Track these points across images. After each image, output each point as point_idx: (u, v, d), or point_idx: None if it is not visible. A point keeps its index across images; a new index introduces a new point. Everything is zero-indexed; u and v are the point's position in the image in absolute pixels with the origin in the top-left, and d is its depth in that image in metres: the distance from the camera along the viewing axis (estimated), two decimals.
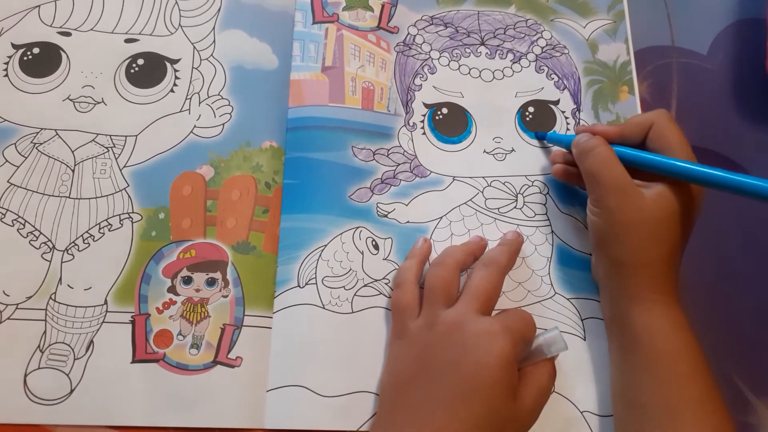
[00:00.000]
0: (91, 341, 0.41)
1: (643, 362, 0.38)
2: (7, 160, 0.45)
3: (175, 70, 0.48)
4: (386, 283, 0.43)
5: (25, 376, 0.40)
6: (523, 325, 0.37)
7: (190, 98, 0.48)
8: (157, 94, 0.47)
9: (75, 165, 0.45)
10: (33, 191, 0.44)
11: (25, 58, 0.48)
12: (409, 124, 0.48)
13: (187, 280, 0.43)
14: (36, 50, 0.48)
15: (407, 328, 0.39)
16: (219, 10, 0.50)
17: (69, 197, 0.44)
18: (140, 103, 0.47)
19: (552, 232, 0.46)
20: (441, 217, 0.46)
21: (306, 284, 0.43)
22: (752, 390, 0.43)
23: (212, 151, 0.46)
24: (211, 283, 0.43)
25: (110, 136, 0.46)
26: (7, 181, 0.44)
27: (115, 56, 0.48)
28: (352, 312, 0.42)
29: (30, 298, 0.42)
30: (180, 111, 0.47)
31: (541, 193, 0.47)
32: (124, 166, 0.45)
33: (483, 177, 0.47)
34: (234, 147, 0.46)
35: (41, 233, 0.43)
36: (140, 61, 0.48)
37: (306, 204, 0.45)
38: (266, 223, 0.45)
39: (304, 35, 0.50)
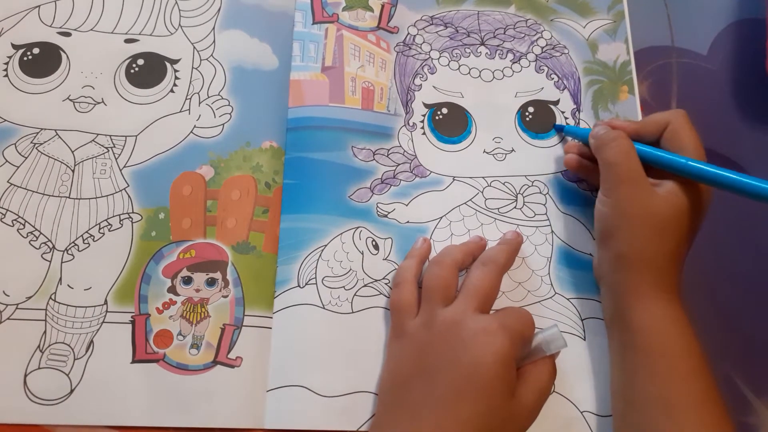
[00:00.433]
0: (91, 341, 0.41)
1: (643, 360, 0.38)
2: (7, 161, 0.45)
3: (175, 71, 0.48)
4: (386, 283, 0.43)
5: (25, 376, 0.40)
6: (522, 324, 0.37)
7: (190, 98, 0.48)
8: (157, 94, 0.47)
9: (75, 165, 0.45)
10: (33, 191, 0.44)
11: (25, 59, 0.48)
12: (409, 124, 0.48)
13: (187, 280, 0.43)
14: (36, 50, 0.48)
15: (406, 328, 0.39)
16: (219, 10, 0.50)
17: (69, 197, 0.44)
18: (140, 104, 0.47)
19: (552, 232, 0.46)
20: (441, 217, 0.46)
21: (306, 284, 0.43)
22: (752, 390, 0.43)
23: (212, 151, 0.46)
24: (211, 283, 0.43)
25: (110, 136, 0.46)
26: (7, 181, 0.44)
27: (115, 56, 0.48)
28: (352, 312, 0.42)
29: (30, 298, 0.42)
30: (180, 111, 0.47)
31: (541, 193, 0.47)
32: (124, 166, 0.45)
33: (483, 177, 0.47)
34: (234, 147, 0.46)
35: (41, 233, 0.43)
36: (140, 62, 0.48)
37: (306, 204, 0.45)
38: (266, 223, 0.45)
39: (304, 35, 0.50)
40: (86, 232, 0.43)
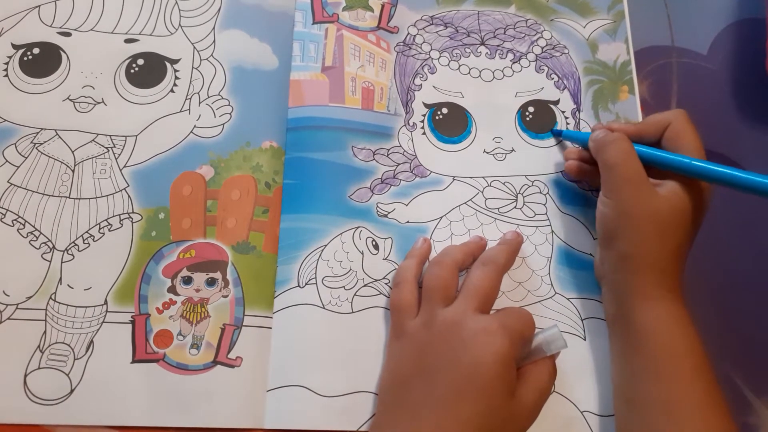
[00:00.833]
0: (91, 341, 0.41)
1: (645, 360, 0.38)
2: (7, 160, 0.45)
3: (175, 70, 0.48)
4: (386, 283, 0.43)
5: (25, 376, 0.40)
6: (521, 324, 0.37)
7: (190, 98, 0.48)
8: (157, 94, 0.47)
9: (75, 165, 0.45)
10: (33, 191, 0.44)
11: (25, 59, 0.48)
12: (409, 124, 0.48)
13: (187, 280, 0.43)
14: (36, 50, 0.48)
15: (406, 328, 0.39)
16: (219, 10, 0.50)
17: (69, 197, 0.44)
18: (140, 103, 0.47)
19: (552, 232, 0.46)
20: (441, 217, 0.46)
21: (306, 284, 0.43)
22: (752, 390, 0.43)
23: (212, 151, 0.46)
24: (211, 283, 0.43)
25: (110, 136, 0.46)
26: (7, 181, 0.44)
27: (115, 56, 0.48)
28: (352, 312, 0.42)
29: (30, 298, 0.42)
30: (180, 111, 0.47)
31: (541, 193, 0.47)
32: (124, 166, 0.45)
33: (483, 177, 0.47)
34: (234, 147, 0.46)
35: (41, 233, 0.43)
36: (140, 61, 0.48)
37: (306, 204, 0.45)
38: (266, 223, 0.45)
39: (304, 35, 0.50)
40: (86, 232, 0.43)
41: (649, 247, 0.39)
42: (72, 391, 0.40)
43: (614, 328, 0.41)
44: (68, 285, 0.42)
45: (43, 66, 0.47)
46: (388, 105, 0.49)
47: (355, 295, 0.43)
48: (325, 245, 0.44)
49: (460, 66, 0.50)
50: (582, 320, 0.44)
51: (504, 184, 0.47)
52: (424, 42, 0.51)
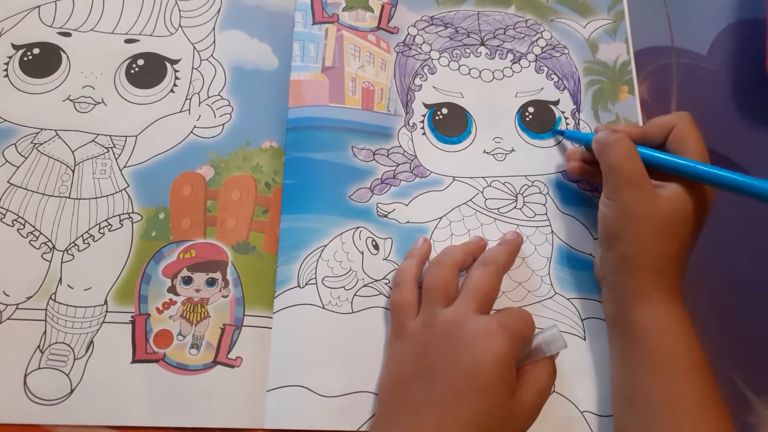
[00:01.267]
0: (91, 341, 0.41)
1: (644, 359, 0.38)
2: (7, 161, 0.45)
3: (175, 71, 0.48)
4: (386, 283, 0.43)
5: (25, 376, 0.40)
6: (521, 324, 0.37)
7: (190, 98, 0.48)
8: (157, 94, 0.48)
9: (75, 165, 0.45)
10: (33, 191, 0.44)
11: (26, 59, 0.48)
12: (409, 124, 0.48)
13: (187, 281, 0.43)
14: (36, 50, 0.48)
15: (406, 328, 0.39)
16: (219, 10, 0.50)
17: (69, 197, 0.44)
18: (140, 104, 0.47)
19: (552, 232, 0.46)
20: (441, 218, 0.46)
21: (306, 284, 0.43)
22: (752, 390, 0.43)
23: (212, 151, 0.46)
24: (211, 283, 0.43)
25: (110, 136, 0.46)
26: (7, 182, 0.44)
27: (115, 56, 0.48)
28: (352, 312, 0.42)
29: (30, 298, 0.42)
30: (180, 111, 0.47)
31: (541, 193, 0.47)
32: (124, 167, 0.45)
33: (483, 177, 0.47)
34: (234, 147, 0.46)
35: (41, 233, 0.43)
36: (140, 62, 0.48)
37: (306, 204, 0.45)
38: (266, 224, 0.45)
39: (304, 36, 0.50)
40: (86, 232, 0.44)
41: (650, 248, 0.39)
42: (72, 391, 0.40)
43: (614, 329, 0.41)
44: (68, 285, 0.42)
45: (43, 66, 0.47)
46: (388, 105, 0.49)
47: (355, 295, 0.43)
48: (325, 245, 0.44)
49: (460, 66, 0.50)
50: (582, 320, 0.44)
51: (504, 184, 0.47)
52: (424, 42, 0.51)
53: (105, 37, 0.49)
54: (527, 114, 0.49)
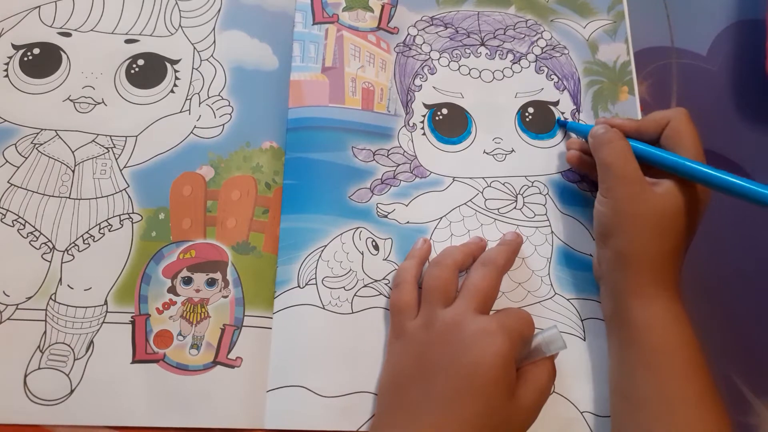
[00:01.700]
0: (91, 341, 0.41)
1: (641, 357, 0.38)
2: (7, 161, 0.45)
3: (176, 71, 0.48)
4: (386, 284, 0.43)
5: (25, 376, 0.40)
6: (521, 324, 0.37)
7: (191, 99, 0.48)
8: (157, 94, 0.48)
9: (75, 165, 0.45)
10: (33, 192, 0.44)
11: (26, 59, 0.48)
12: (409, 124, 0.48)
13: (187, 281, 0.43)
14: (36, 51, 0.48)
15: (405, 328, 0.39)
16: (219, 10, 0.50)
17: (69, 198, 0.44)
18: (140, 104, 0.47)
19: (552, 232, 0.46)
20: (441, 218, 0.46)
21: (306, 284, 0.43)
22: (752, 390, 0.43)
23: (212, 151, 0.46)
24: (211, 283, 0.43)
25: (110, 136, 0.46)
26: (8, 182, 0.44)
27: (116, 57, 0.48)
28: (352, 312, 0.42)
29: (30, 298, 0.42)
30: (180, 111, 0.47)
31: (540, 193, 0.47)
32: (124, 167, 0.45)
33: (483, 177, 0.47)
34: (234, 147, 0.46)
35: (41, 233, 0.43)
36: (140, 62, 0.48)
37: (306, 204, 0.45)
38: (266, 224, 0.45)
39: (304, 36, 0.50)
40: (86, 232, 0.44)
41: (645, 245, 0.39)
42: (72, 391, 0.40)
43: (611, 326, 0.41)
44: (68, 285, 0.42)
45: (43, 66, 0.47)
46: (388, 105, 0.49)
47: (355, 295, 0.43)
48: (325, 246, 0.44)
49: (460, 67, 0.50)
50: (581, 321, 0.44)
51: (504, 184, 0.47)
52: (424, 42, 0.51)
53: (105, 37, 0.49)
54: (527, 114, 0.49)
